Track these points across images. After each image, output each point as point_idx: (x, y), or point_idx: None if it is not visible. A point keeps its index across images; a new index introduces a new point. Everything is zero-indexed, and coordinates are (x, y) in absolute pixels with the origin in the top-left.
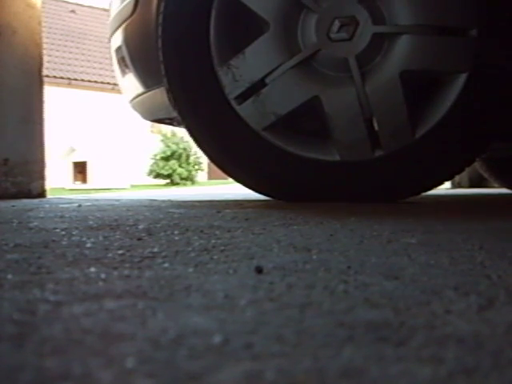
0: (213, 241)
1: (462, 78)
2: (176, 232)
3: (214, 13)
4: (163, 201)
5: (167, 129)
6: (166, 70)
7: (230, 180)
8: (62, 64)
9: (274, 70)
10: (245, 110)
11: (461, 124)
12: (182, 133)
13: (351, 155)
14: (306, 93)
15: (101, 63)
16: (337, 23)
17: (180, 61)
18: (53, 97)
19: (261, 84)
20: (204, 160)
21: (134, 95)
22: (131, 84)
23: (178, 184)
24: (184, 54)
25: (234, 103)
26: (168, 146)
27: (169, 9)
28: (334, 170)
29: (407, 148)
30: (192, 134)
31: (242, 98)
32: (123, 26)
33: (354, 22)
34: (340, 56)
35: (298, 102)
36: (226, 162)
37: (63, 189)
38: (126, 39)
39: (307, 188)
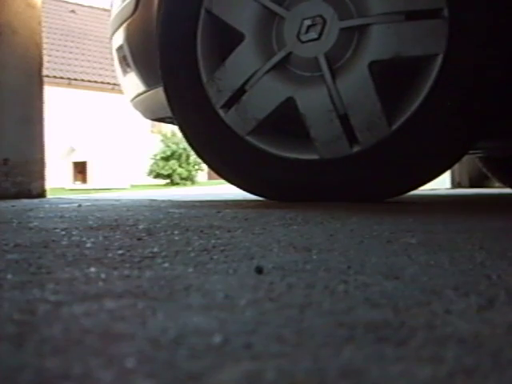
0: (213, 241)
1: (438, 61)
2: (176, 232)
3: (199, 29)
4: (163, 201)
5: (167, 129)
6: (164, 82)
7: None
8: (62, 64)
9: (251, 77)
10: (230, 117)
11: (441, 111)
12: None
13: (329, 153)
14: (281, 95)
15: (101, 63)
16: (305, 24)
17: (174, 74)
18: (53, 97)
19: (241, 92)
20: None
21: (135, 94)
22: (132, 83)
23: (177, 184)
24: (177, 68)
25: (220, 112)
26: (168, 146)
27: (164, 23)
28: (314, 168)
29: (385, 141)
30: (188, 140)
31: (227, 106)
32: (124, 25)
33: (321, 20)
34: (310, 56)
35: (274, 105)
36: (219, 167)
37: (63, 189)
38: (128, 38)
39: (291, 188)
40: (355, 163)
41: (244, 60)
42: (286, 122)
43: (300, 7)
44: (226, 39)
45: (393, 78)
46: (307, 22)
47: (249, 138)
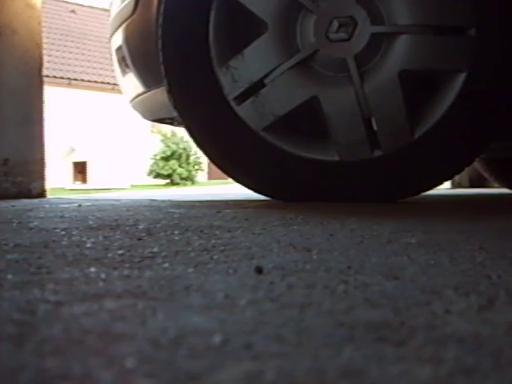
0: (213, 241)
1: (462, 77)
2: (176, 232)
3: (213, 14)
4: (163, 201)
5: (167, 129)
6: (166, 71)
7: (230, 180)
8: (62, 64)
9: (272, 71)
10: (244, 110)
11: (460, 124)
12: (182, 133)
13: (350, 155)
14: (305, 93)
15: (101, 63)
16: (335, 23)
17: (180, 62)
18: (53, 97)
19: (260, 84)
20: (204, 160)
21: (134, 95)
22: (132, 84)
23: (178, 184)
24: (184, 55)
25: (233, 103)
26: (168, 146)
27: (168, 10)
28: (333, 170)
29: (406, 148)
30: (192, 135)
31: (241, 98)
32: (124, 25)
33: (352, 22)
34: (338, 56)
35: (297, 103)
36: (226, 163)
37: (63, 189)
38: (127, 39)
39: (307, 188)
40: (375, 167)
41: (266, 52)
42: (304, 120)
43: (331, 5)
44: (243, 25)
45: (418, 87)
46: (337, 22)
47: (264, 134)
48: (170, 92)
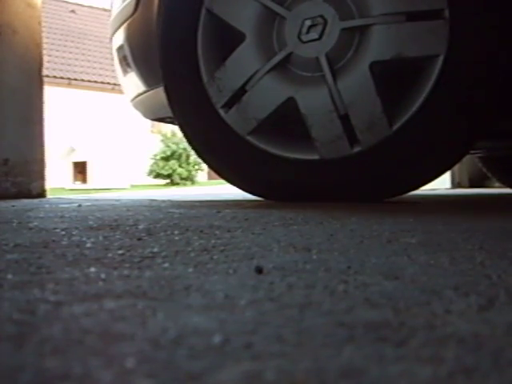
0: (213, 241)
1: (439, 62)
2: (176, 232)
3: (200, 27)
4: (163, 201)
5: (167, 129)
6: (164, 82)
7: None
8: (62, 64)
9: (252, 77)
10: (230, 117)
11: (441, 112)
12: None
13: (330, 153)
14: (281, 95)
15: (101, 63)
16: (306, 24)
17: (174, 74)
18: (53, 97)
19: (242, 92)
20: None
21: (135, 94)
22: (133, 83)
23: (177, 184)
24: (177, 67)
25: (221, 112)
26: (168, 146)
27: (164, 23)
28: (315, 168)
29: (386, 141)
30: (188, 139)
31: (228, 106)
32: (125, 24)
33: (322, 21)
34: (310, 56)
35: (275, 105)
36: (220, 167)
37: (63, 189)
38: (128, 38)
39: (292, 188)
40: (356, 163)
41: (245, 60)
42: (286, 122)
43: (301, 7)
44: (227, 39)
45: (394, 78)
46: (308, 22)
47: (249, 138)
48: (169, 101)
